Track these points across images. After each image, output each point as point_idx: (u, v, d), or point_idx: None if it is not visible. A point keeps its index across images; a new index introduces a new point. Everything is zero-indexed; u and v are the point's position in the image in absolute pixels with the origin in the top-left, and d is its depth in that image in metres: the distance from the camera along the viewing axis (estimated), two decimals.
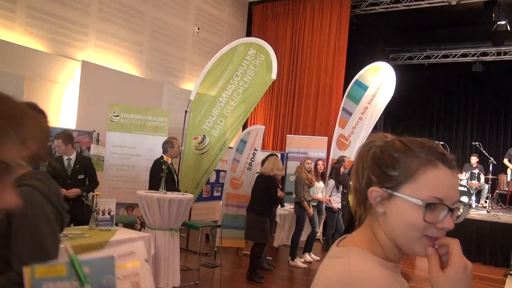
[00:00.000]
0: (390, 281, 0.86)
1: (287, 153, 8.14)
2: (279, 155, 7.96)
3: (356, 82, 8.13)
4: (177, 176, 5.39)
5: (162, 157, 4.94)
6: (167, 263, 4.48)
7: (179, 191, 5.09)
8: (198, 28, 8.57)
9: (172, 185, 5.01)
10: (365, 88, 8.09)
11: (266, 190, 5.45)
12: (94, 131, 6.11)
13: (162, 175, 4.64)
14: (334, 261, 0.90)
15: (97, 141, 6.14)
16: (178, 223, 4.58)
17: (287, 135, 8.68)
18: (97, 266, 0.78)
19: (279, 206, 6.37)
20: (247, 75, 5.78)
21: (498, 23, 8.25)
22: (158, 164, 4.84)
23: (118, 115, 5.80)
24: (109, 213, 3.85)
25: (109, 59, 6.96)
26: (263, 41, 5.95)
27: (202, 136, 5.92)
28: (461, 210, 0.87)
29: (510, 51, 10.74)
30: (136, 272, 0.88)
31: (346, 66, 8.86)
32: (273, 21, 9.75)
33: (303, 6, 9.40)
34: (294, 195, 6.17)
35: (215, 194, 7.38)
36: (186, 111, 5.95)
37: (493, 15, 8.20)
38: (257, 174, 5.85)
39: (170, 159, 5.02)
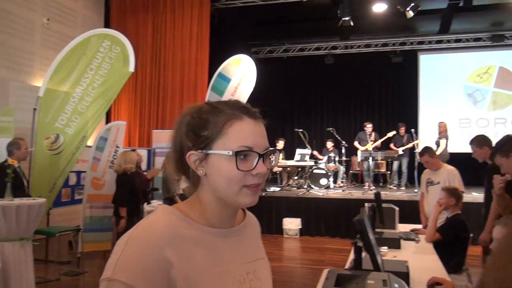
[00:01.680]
0: (188, 240, 0.88)
1: (154, 149, 7.95)
2: (145, 151, 7.79)
3: (219, 75, 8.27)
4: (26, 180, 4.91)
5: (6, 160, 4.47)
6: (18, 276, 4.05)
7: (30, 196, 4.65)
8: (48, 19, 7.87)
9: (21, 191, 4.56)
10: (228, 80, 8.28)
11: (122, 189, 5.09)
12: None
13: (7, 180, 4.19)
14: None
15: None
16: (29, 231, 4.17)
17: (153, 131, 8.47)
18: None
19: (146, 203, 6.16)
20: (102, 68, 5.47)
21: (343, 18, 9.07)
22: (1, 169, 4.37)
23: None
24: None
25: None
26: (117, 32, 5.69)
27: (55, 135, 5.46)
28: (273, 157, 0.95)
29: (355, 45, 11.92)
30: None
31: (210, 59, 8.96)
32: (133, 14, 9.40)
33: (163, 0, 9.24)
34: (161, 191, 6.01)
35: (77, 197, 6.90)
36: (34, 109, 5.42)
37: (339, 11, 8.99)
38: None
39: (16, 162, 4.56)
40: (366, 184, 9.80)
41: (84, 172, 6.45)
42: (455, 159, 7.81)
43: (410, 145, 9.62)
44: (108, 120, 8.66)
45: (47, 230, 5.04)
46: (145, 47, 9.20)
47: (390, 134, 9.87)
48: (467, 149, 4.18)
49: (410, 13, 8.51)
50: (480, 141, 3.91)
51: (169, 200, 5.93)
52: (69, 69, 5.46)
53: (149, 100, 9.24)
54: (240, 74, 8.36)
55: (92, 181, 6.04)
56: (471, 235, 3.68)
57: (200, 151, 0.90)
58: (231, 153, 0.87)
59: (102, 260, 6.24)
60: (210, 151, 0.89)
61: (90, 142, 6.27)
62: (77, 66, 5.47)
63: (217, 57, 8.93)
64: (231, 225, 0.96)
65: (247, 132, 0.89)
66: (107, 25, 9.27)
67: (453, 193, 3.72)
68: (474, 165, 4.56)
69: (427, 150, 4.62)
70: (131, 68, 5.55)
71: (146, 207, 6.11)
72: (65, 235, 5.96)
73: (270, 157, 0.94)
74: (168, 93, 9.10)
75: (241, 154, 0.88)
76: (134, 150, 5.64)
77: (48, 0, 7.93)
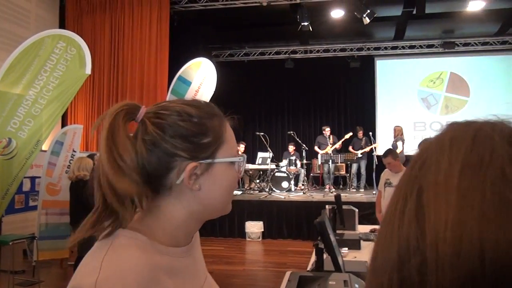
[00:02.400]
0: (161, 271, 0.73)
1: None
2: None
3: (179, 78, 8.17)
4: None
5: None
6: None
7: None
8: None
9: None
10: (188, 83, 8.20)
11: (75, 197, 4.75)
12: None
13: None
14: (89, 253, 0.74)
15: None
16: None
17: None
18: None
19: None
20: (57, 70, 5.28)
21: (302, 24, 9.21)
22: None
23: None
24: None
25: None
26: (73, 33, 5.51)
27: (7, 139, 5.22)
28: None
29: (314, 49, 12.13)
30: None
31: (170, 62, 8.85)
32: (90, 15, 9.16)
33: (121, 0, 9.06)
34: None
35: (31, 204, 6.62)
36: None
37: (298, 16, 9.13)
38: None
39: None
40: (327, 186, 9.96)
41: (39, 177, 6.20)
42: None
43: (368, 148, 9.87)
44: (64, 124, 8.38)
45: (0, 239, 4.81)
46: (103, 48, 8.98)
47: (347, 136, 10.09)
48: None
49: (367, 20, 8.75)
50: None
51: None
52: (21, 70, 5.24)
53: (107, 103, 9.01)
54: (201, 77, 8.31)
55: (48, 187, 5.83)
56: None
57: (202, 161, 0.77)
58: (239, 159, 0.83)
59: (59, 268, 6.03)
60: (217, 160, 0.79)
61: (45, 146, 6.04)
62: (30, 68, 5.25)
63: (177, 60, 8.83)
64: (190, 239, 0.84)
65: (233, 135, 0.86)
66: (62, 26, 8.98)
67: None
68: None
69: (390, 152, 4.69)
70: (88, 71, 5.39)
71: None
72: (19, 243, 5.72)
73: None
74: (127, 96, 8.91)
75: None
76: (92, 156, 5.48)
77: None
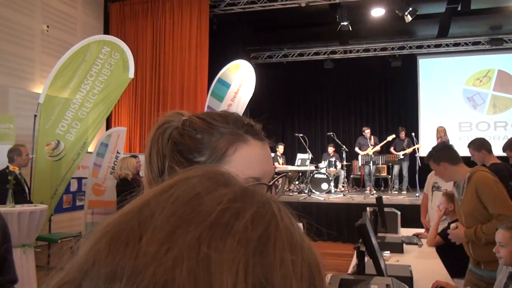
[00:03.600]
0: None
1: None
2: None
3: (219, 80, 8.28)
4: (28, 186, 4.91)
5: (8, 167, 4.48)
6: (21, 284, 4.05)
7: (32, 202, 4.65)
8: (48, 26, 7.89)
9: (22, 197, 4.57)
10: (228, 85, 8.29)
11: (120, 195, 5.01)
12: None
13: (8, 187, 4.20)
14: None
15: None
16: (31, 237, 4.18)
17: None
18: None
19: None
20: (102, 74, 5.48)
21: (342, 23, 9.10)
22: (3, 175, 4.38)
23: None
24: None
25: None
26: (117, 39, 5.71)
27: (56, 141, 5.46)
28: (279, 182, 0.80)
29: (354, 49, 11.95)
30: None
31: (209, 65, 8.96)
32: (132, 20, 9.43)
33: (162, 6, 9.27)
34: None
35: (78, 203, 6.89)
36: (35, 115, 5.43)
37: (337, 16, 9.03)
38: None
39: (17, 169, 4.56)
40: (368, 188, 9.78)
41: (85, 178, 6.45)
42: None
43: (410, 149, 9.61)
44: (108, 126, 8.66)
45: (49, 237, 5.03)
46: (145, 53, 9.22)
47: (390, 138, 9.87)
48: (468, 152, 4.17)
49: (409, 18, 8.53)
50: (477, 144, 3.91)
51: None
52: (69, 75, 5.48)
53: (149, 106, 9.24)
54: (240, 79, 8.37)
55: (93, 187, 6.04)
56: None
57: None
58: None
59: None
60: None
61: (91, 148, 6.27)
62: (77, 73, 5.48)
63: (216, 63, 8.94)
64: None
65: (255, 158, 0.74)
66: (106, 31, 9.30)
67: (452, 199, 3.73)
68: None
69: None
70: (131, 74, 5.56)
71: None
72: (67, 242, 5.95)
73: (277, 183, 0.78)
74: (168, 99, 9.11)
75: None
76: (135, 157, 5.63)
77: (47, 7, 7.96)
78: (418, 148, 9.19)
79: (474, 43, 11.34)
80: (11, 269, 1.22)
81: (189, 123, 0.75)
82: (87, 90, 5.48)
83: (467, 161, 4.47)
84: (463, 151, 4.58)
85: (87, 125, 5.52)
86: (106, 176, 6.11)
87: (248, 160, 0.73)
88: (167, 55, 9.19)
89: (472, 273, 2.96)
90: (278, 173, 0.78)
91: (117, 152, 6.21)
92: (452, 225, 2.86)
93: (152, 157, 0.77)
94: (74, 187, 6.92)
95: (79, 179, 6.90)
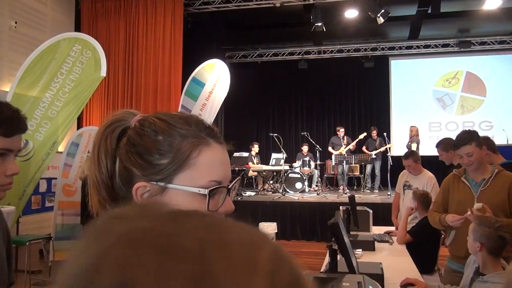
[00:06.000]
0: None
1: None
2: None
3: (193, 79, 8.22)
4: None
5: None
6: None
7: None
8: (16, 22, 7.66)
9: None
10: (202, 85, 8.24)
11: (84, 197, 5.02)
12: None
13: None
14: None
15: None
16: None
17: None
18: None
19: None
20: (73, 72, 5.36)
21: (316, 24, 9.18)
22: None
23: None
24: None
25: None
26: (88, 36, 5.59)
27: (25, 141, 5.30)
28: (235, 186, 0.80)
29: (328, 50, 12.07)
30: None
31: (184, 64, 8.89)
32: (105, 18, 9.26)
33: (136, 3, 9.13)
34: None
35: (48, 204, 6.74)
36: None
37: (312, 17, 9.09)
38: None
39: None
40: (341, 187, 9.91)
41: (55, 178, 6.30)
42: (426, 162, 7.92)
43: (382, 148, 9.79)
44: (79, 126, 8.47)
45: (17, 239, 4.89)
46: (117, 51, 9.07)
47: (361, 136, 10.02)
48: (436, 152, 4.27)
49: (381, 19, 8.67)
50: (445, 144, 3.99)
51: None
52: (38, 73, 5.33)
53: (122, 105, 9.09)
54: (214, 79, 8.34)
55: (64, 188, 5.91)
56: (442, 236, 3.76)
57: (154, 183, 0.70)
58: (204, 191, 0.70)
59: None
60: (172, 186, 0.70)
61: (61, 148, 6.13)
62: (46, 71, 5.34)
63: (190, 62, 8.87)
64: None
65: (217, 162, 0.73)
66: (77, 29, 9.10)
67: (421, 198, 3.83)
68: (444, 168, 4.65)
69: (412, 154, 4.53)
70: (103, 73, 5.45)
71: None
72: (36, 244, 5.80)
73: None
74: (141, 98, 8.99)
75: (213, 192, 0.71)
76: None
77: (15, 2, 7.73)
78: (389, 148, 9.36)
79: (444, 45, 11.64)
80: (10, 273, 1.23)
81: (149, 123, 0.73)
82: (57, 89, 5.35)
83: (436, 160, 4.60)
84: (433, 150, 4.69)
85: (57, 124, 5.38)
86: (77, 177, 5.98)
87: (211, 164, 0.73)
88: (140, 54, 9.07)
89: (452, 272, 2.97)
90: (233, 175, 0.78)
91: (88, 152, 6.09)
92: (478, 205, 2.72)
93: (100, 157, 0.75)
94: (43, 187, 6.76)
95: (49, 180, 6.74)
